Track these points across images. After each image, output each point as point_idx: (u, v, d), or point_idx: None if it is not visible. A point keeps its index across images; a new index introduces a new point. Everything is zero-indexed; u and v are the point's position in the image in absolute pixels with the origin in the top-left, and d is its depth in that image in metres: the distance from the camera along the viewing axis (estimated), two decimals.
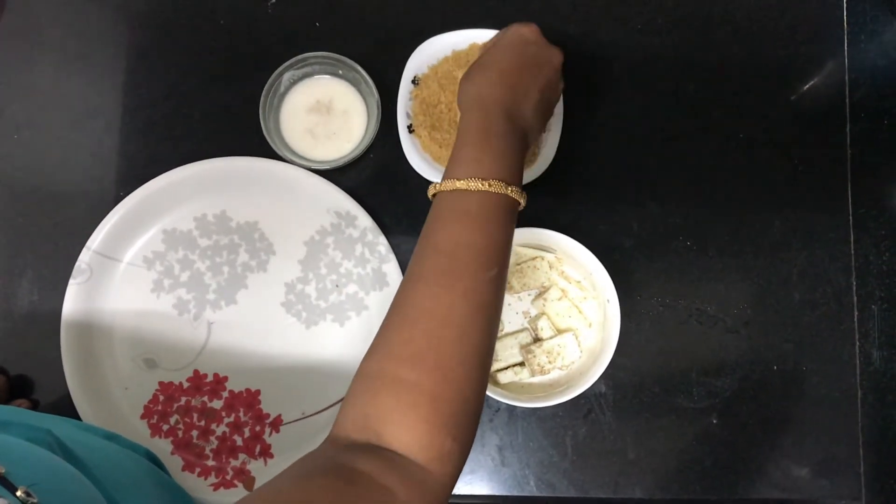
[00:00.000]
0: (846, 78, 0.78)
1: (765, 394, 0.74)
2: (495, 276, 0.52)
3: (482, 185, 0.53)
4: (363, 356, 0.51)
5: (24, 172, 0.74)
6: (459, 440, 0.48)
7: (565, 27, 0.77)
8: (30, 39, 0.76)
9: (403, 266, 0.72)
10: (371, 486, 0.44)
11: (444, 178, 0.55)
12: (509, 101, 0.58)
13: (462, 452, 0.49)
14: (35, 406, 0.71)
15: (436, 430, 0.47)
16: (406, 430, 0.46)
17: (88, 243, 0.70)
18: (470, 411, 0.49)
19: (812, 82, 0.79)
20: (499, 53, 0.61)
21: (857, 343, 0.75)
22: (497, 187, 0.53)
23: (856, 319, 0.75)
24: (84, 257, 0.70)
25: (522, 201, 0.55)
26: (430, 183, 0.71)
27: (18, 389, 0.72)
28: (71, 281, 0.70)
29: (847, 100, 0.78)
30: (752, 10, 0.79)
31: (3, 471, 0.39)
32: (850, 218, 0.76)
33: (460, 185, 0.53)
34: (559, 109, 0.73)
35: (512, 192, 0.54)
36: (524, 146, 0.59)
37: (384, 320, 0.52)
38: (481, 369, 0.51)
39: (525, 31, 0.62)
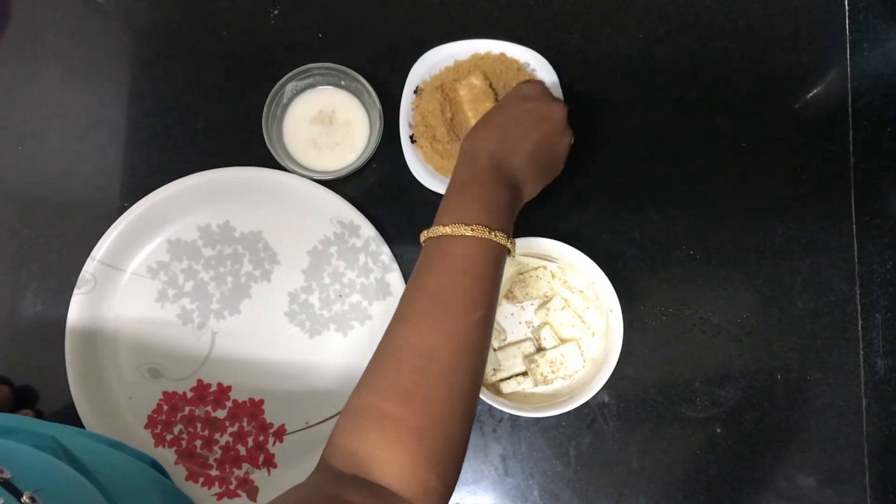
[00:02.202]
0: (849, 86, 0.78)
1: (769, 403, 0.74)
2: (481, 318, 0.54)
3: (466, 230, 0.55)
4: (351, 392, 0.53)
5: (29, 183, 0.75)
6: (444, 477, 0.49)
7: (567, 36, 0.77)
8: (34, 51, 0.76)
9: (406, 276, 0.72)
10: None
11: (432, 226, 0.57)
12: (498, 152, 0.60)
13: (446, 489, 0.50)
14: (39, 416, 0.72)
15: (420, 466, 0.48)
16: (391, 465, 0.48)
17: (93, 253, 0.71)
18: (454, 449, 0.51)
19: (815, 90, 0.79)
20: (496, 110, 0.65)
21: (862, 352, 0.75)
22: (480, 232, 0.55)
23: (860, 328, 0.75)
24: (88, 267, 0.71)
25: (511, 247, 0.57)
26: (432, 192, 0.72)
27: (23, 400, 0.72)
28: (75, 291, 0.70)
29: (850, 108, 0.78)
30: (754, 18, 0.79)
31: (8, 476, 0.40)
32: (854, 226, 0.76)
33: (445, 230, 0.56)
34: None
35: (496, 237, 0.56)
36: (514, 195, 0.60)
37: (372, 359, 0.54)
38: (466, 408, 0.52)
39: (526, 88, 0.66)
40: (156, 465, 0.64)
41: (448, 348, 0.52)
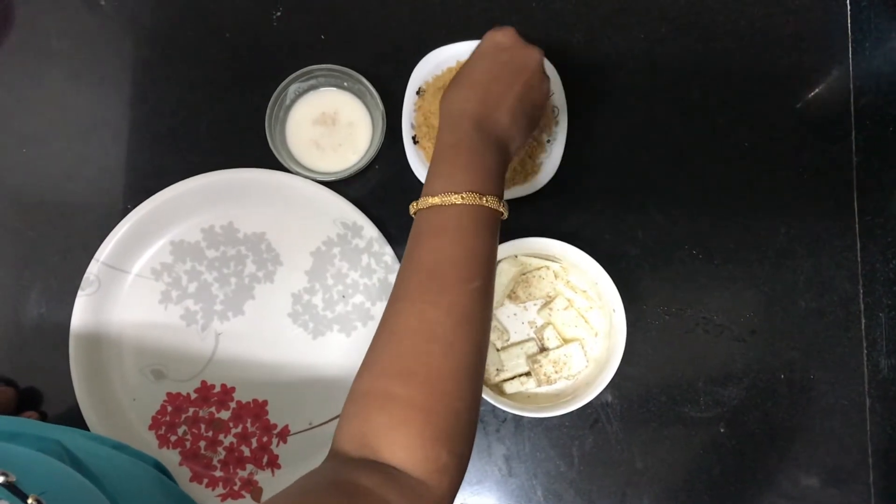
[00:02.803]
0: (851, 85, 0.78)
1: (772, 403, 0.74)
2: (479, 288, 0.52)
3: (455, 198, 0.53)
4: (354, 375, 0.52)
5: (33, 185, 0.75)
6: (456, 452, 0.48)
7: (569, 37, 0.78)
8: (37, 53, 0.77)
9: None
10: (371, 500, 0.44)
11: (420, 197, 0.55)
12: (480, 113, 0.58)
13: (459, 464, 0.49)
14: (43, 418, 0.72)
15: (430, 444, 0.47)
16: (401, 446, 0.47)
17: (97, 255, 0.71)
18: (464, 423, 0.50)
19: (817, 90, 0.79)
20: (471, 65, 0.61)
21: (865, 351, 0.75)
22: (471, 199, 0.53)
23: (863, 327, 0.75)
24: (92, 269, 0.71)
25: (504, 210, 0.56)
26: None
27: (27, 401, 0.72)
28: (79, 293, 0.71)
29: (852, 107, 0.78)
30: (755, 19, 0.79)
31: (13, 479, 0.40)
32: (857, 225, 0.76)
33: (434, 200, 0.54)
34: (563, 119, 0.73)
35: (487, 202, 0.54)
36: (502, 156, 0.58)
37: (372, 340, 0.53)
38: (472, 381, 0.51)
39: (499, 37, 0.61)
40: (160, 467, 0.64)
41: (448, 322, 0.51)
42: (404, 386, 0.49)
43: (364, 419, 0.49)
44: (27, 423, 0.57)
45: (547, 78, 0.63)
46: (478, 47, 0.62)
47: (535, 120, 0.63)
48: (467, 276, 0.52)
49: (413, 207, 0.56)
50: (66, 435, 0.54)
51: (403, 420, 0.48)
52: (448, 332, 0.50)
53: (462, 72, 0.61)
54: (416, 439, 0.47)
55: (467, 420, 0.50)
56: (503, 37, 0.61)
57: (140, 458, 0.62)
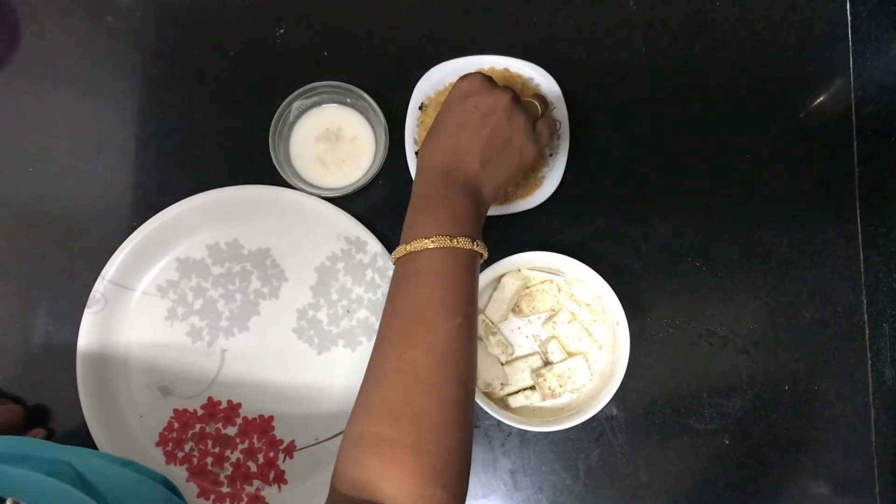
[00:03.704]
0: (853, 95, 0.78)
1: (777, 414, 0.74)
2: (459, 326, 0.54)
3: (427, 242, 0.55)
4: (359, 391, 0.54)
5: (39, 203, 0.76)
6: (450, 489, 0.49)
7: (571, 50, 0.78)
8: (44, 72, 0.77)
9: None
10: None
11: (400, 243, 0.58)
12: (448, 162, 0.60)
13: (456, 499, 0.50)
14: (51, 435, 0.72)
15: (424, 482, 0.48)
16: (396, 486, 0.48)
17: (103, 273, 0.71)
18: (456, 459, 0.51)
19: (818, 100, 0.79)
20: (440, 117, 0.63)
21: (869, 361, 0.75)
22: (441, 241, 0.55)
23: (867, 338, 0.75)
24: (99, 287, 0.71)
25: (481, 250, 0.58)
26: None
27: (35, 419, 0.72)
28: (86, 311, 0.71)
29: (854, 117, 0.78)
30: (757, 30, 0.79)
31: None
32: (860, 235, 0.76)
33: (409, 248, 0.56)
34: (565, 133, 0.74)
35: (459, 243, 0.55)
36: (474, 198, 0.59)
37: (361, 385, 0.54)
38: (461, 417, 0.52)
39: (465, 86, 0.62)
40: (167, 484, 0.64)
41: (429, 361, 0.52)
42: (393, 427, 0.50)
43: (358, 462, 0.50)
44: (36, 445, 0.57)
45: (520, 112, 0.62)
46: (446, 99, 0.64)
47: (515, 160, 0.63)
48: (446, 314, 0.54)
49: (392, 258, 0.58)
50: (74, 455, 0.55)
51: (395, 460, 0.49)
52: (431, 372, 0.52)
53: (433, 125, 0.63)
54: (409, 478, 0.48)
55: (460, 456, 0.51)
56: (468, 85, 0.62)
57: (149, 475, 0.62)
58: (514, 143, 0.62)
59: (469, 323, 0.55)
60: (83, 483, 0.50)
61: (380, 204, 0.75)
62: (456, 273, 0.56)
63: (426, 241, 0.55)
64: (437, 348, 0.53)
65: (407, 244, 0.56)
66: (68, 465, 0.50)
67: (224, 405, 0.73)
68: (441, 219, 0.57)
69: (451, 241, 0.55)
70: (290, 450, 0.72)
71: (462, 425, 0.52)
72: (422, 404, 0.51)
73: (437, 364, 0.52)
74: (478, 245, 0.57)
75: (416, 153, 0.70)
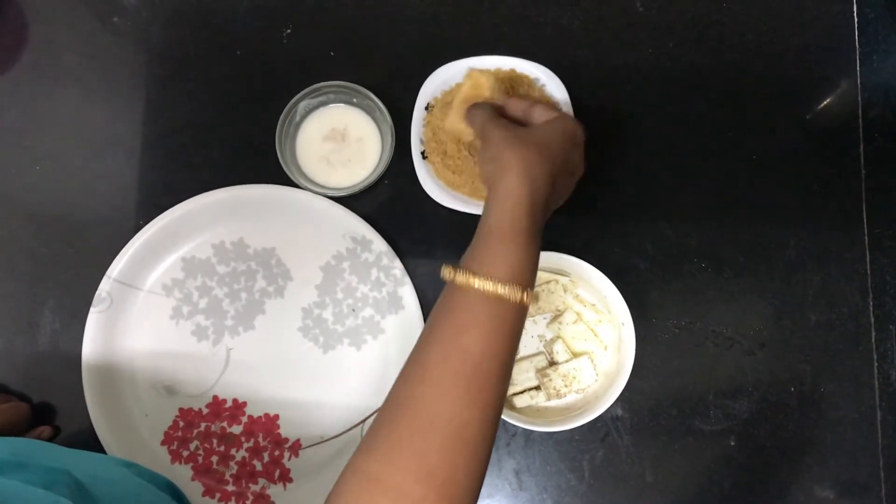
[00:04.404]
0: (859, 97, 0.78)
1: (783, 416, 0.74)
2: (507, 388, 0.52)
3: (522, 295, 0.50)
4: (358, 448, 0.48)
5: (46, 202, 0.76)
6: None
7: (578, 52, 0.78)
8: (51, 71, 0.78)
9: (419, 290, 0.73)
10: None
11: (479, 273, 0.50)
12: (550, 202, 0.57)
13: None
14: (57, 433, 0.72)
15: None
16: None
17: (108, 272, 0.71)
18: None
19: (825, 102, 0.79)
20: (555, 145, 0.58)
21: (876, 364, 0.74)
22: (529, 298, 0.51)
23: (873, 340, 0.75)
24: (104, 286, 0.71)
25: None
26: (443, 208, 0.72)
27: (41, 416, 0.72)
28: (91, 310, 0.71)
29: (860, 119, 0.78)
30: (763, 32, 0.79)
31: None
32: (866, 238, 0.76)
33: (502, 291, 0.50)
34: None
35: (530, 299, 0.52)
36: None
37: (385, 416, 0.49)
38: (482, 477, 0.49)
39: (580, 134, 0.61)
40: (171, 488, 0.64)
41: (480, 423, 0.48)
42: (421, 485, 0.46)
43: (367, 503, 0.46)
44: (38, 450, 0.56)
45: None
46: (560, 127, 0.60)
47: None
48: (507, 376, 0.51)
49: (464, 277, 0.51)
50: (76, 459, 0.54)
51: None
52: (478, 435, 0.48)
53: (544, 143, 0.58)
54: None
55: None
56: (582, 136, 0.61)
57: (152, 478, 0.61)
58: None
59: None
60: (81, 492, 0.49)
61: (385, 203, 0.75)
62: (520, 330, 0.52)
63: (521, 290, 0.50)
64: (490, 411, 0.49)
65: (500, 282, 0.50)
66: (67, 473, 0.49)
67: (229, 404, 0.73)
68: (532, 270, 0.53)
69: (528, 294, 0.51)
70: (295, 448, 0.72)
71: (480, 485, 0.49)
72: (460, 469, 0.47)
73: (486, 427, 0.49)
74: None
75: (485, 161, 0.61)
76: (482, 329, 0.50)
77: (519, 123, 0.63)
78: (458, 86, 0.75)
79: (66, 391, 0.72)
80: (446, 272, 0.52)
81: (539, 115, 0.63)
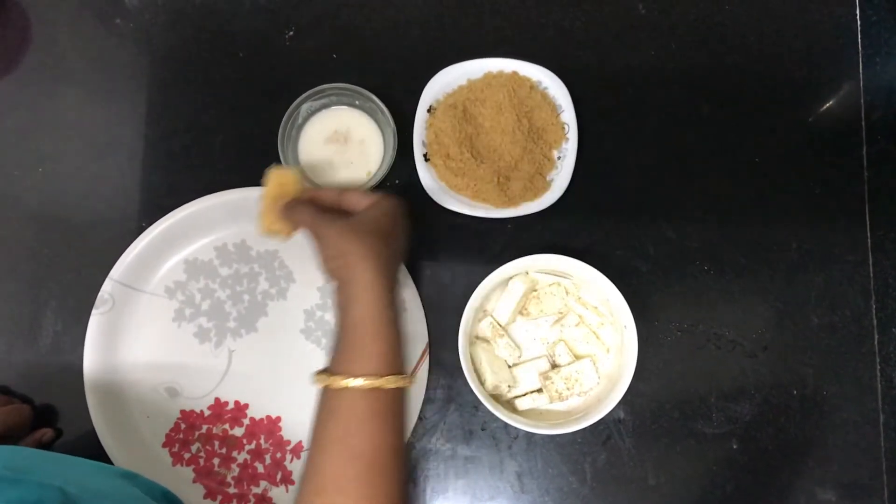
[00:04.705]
0: (862, 100, 0.78)
1: (785, 418, 0.73)
2: (406, 476, 0.54)
3: (401, 381, 0.53)
4: None
5: (48, 204, 0.76)
6: None
7: (580, 53, 0.78)
8: (54, 73, 0.78)
9: (421, 292, 0.73)
10: None
11: (353, 373, 0.53)
12: (392, 285, 0.58)
13: None
14: (59, 435, 0.72)
15: None
16: None
17: (111, 273, 0.71)
18: None
19: (828, 104, 0.79)
20: (389, 229, 0.60)
21: (878, 366, 0.74)
22: (407, 382, 0.54)
23: (876, 342, 0.75)
24: (107, 287, 0.71)
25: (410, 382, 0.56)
26: (446, 210, 0.72)
27: (43, 418, 0.72)
28: (94, 311, 0.71)
29: (863, 122, 0.78)
30: (765, 34, 0.79)
31: None
32: (868, 240, 0.76)
33: (375, 383, 0.52)
34: (573, 136, 0.74)
35: (410, 382, 0.55)
36: None
37: None
38: None
39: (401, 207, 0.63)
40: (167, 497, 0.63)
41: None
42: None
43: None
44: (32, 462, 0.54)
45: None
46: (387, 207, 0.62)
47: None
48: (400, 457, 0.53)
49: (337, 382, 0.53)
50: (71, 471, 0.53)
51: None
52: None
53: (388, 232, 0.60)
54: None
55: None
56: (396, 203, 0.63)
57: (149, 490, 0.61)
58: None
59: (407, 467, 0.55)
60: None
61: None
62: (403, 416, 0.55)
63: (391, 380, 0.52)
64: (392, 495, 0.51)
65: (371, 377, 0.52)
66: (59, 490, 0.49)
67: (231, 406, 0.73)
68: (397, 346, 0.55)
69: (409, 381, 0.54)
70: (297, 450, 0.72)
71: None
72: None
73: None
74: (409, 381, 0.55)
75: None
76: (368, 426, 0.52)
77: (335, 212, 0.64)
78: (462, 88, 0.75)
79: (67, 393, 0.72)
80: (319, 379, 0.54)
81: (357, 201, 0.63)
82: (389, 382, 0.52)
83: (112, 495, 0.55)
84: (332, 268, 0.59)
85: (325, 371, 0.55)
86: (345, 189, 0.65)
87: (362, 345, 0.54)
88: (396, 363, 0.54)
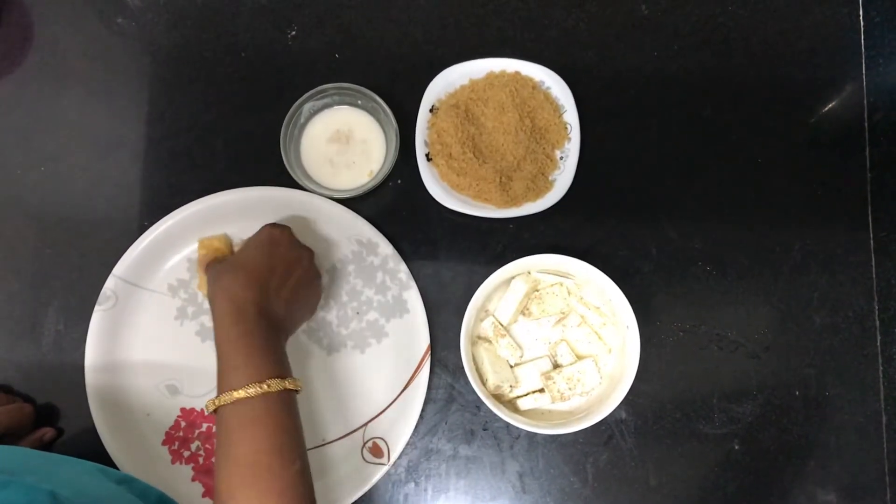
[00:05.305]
0: (865, 101, 0.78)
1: (787, 419, 0.73)
2: (301, 469, 0.56)
3: (262, 387, 0.56)
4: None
5: (51, 203, 0.76)
6: None
7: (582, 54, 0.78)
8: (56, 72, 0.78)
9: (424, 293, 0.73)
10: None
11: (220, 392, 0.57)
12: (261, 299, 0.61)
13: None
14: (60, 434, 0.72)
15: None
16: None
17: (114, 270, 0.71)
18: None
19: (830, 105, 0.79)
20: (248, 254, 0.64)
21: (881, 367, 0.74)
22: (276, 385, 0.57)
23: (878, 343, 0.75)
24: (109, 284, 0.71)
25: (297, 387, 0.59)
26: (448, 210, 0.72)
27: (44, 417, 0.72)
28: (96, 307, 0.71)
29: (866, 123, 0.78)
30: (768, 35, 0.79)
31: None
32: (871, 241, 0.76)
33: (239, 394, 0.56)
34: (576, 136, 0.74)
35: (289, 384, 0.58)
36: (281, 337, 0.63)
37: None
38: None
39: (276, 233, 0.66)
40: (163, 501, 0.63)
41: None
42: None
43: None
44: (26, 464, 0.54)
45: (318, 275, 0.68)
46: (254, 238, 0.67)
47: (309, 309, 0.69)
48: (289, 459, 0.56)
49: (212, 405, 0.58)
50: (66, 473, 0.53)
51: None
52: None
53: (237, 261, 0.64)
54: None
55: None
56: (280, 234, 0.66)
57: (144, 493, 0.61)
58: (313, 295, 0.68)
59: (305, 462, 0.57)
60: None
61: (390, 206, 0.75)
62: (289, 414, 0.58)
63: (260, 385, 0.56)
64: (286, 495, 0.54)
65: (235, 390, 0.56)
66: (49, 494, 0.48)
67: None
68: (268, 359, 0.58)
69: (282, 382, 0.57)
70: None
71: None
72: None
73: None
74: (290, 382, 0.59)
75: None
76: (244, 433, 0.56)
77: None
78: (464, 88, 0.75)
79: (69, 392, 0.72)
80: (209, 405, 0.58)
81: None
82: (248, 391, 0.56)
83: (105, 500, 0.55)
84: (211, 305, 0.63)
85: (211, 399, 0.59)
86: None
87: (225, 365, 0.58)
88: (253, 372, 0.57)
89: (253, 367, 0.57)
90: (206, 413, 0.59)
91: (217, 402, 0.57)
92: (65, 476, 0.53)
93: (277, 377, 0.57)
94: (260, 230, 0.67)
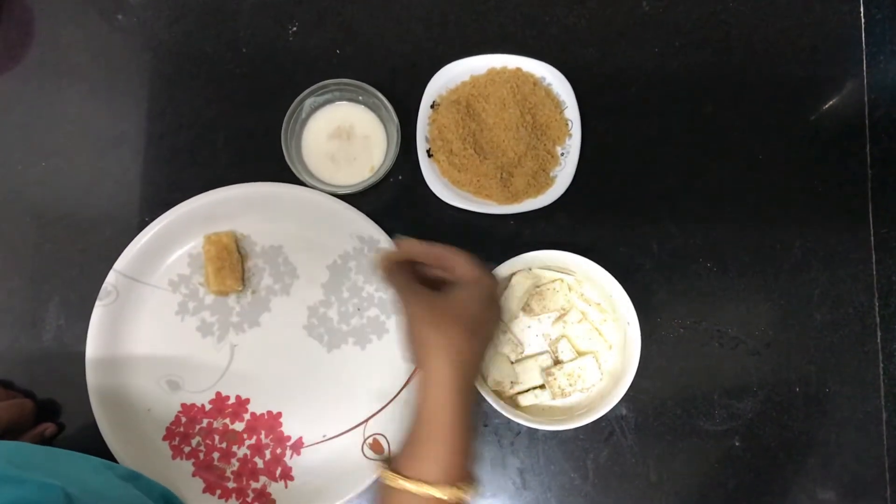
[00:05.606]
0: (866, 98, 0.78)
1: (787, 416, 0.73)
2: None
3: (457, 492, 0.51)
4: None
5: (52, 199, 0.76)
6: None
7: (583, 50, 0.78)
8: (57, 69, 0.78)
9: None
10: None
11: (414, 476, 0.52)
12: (471, 383, 0.56)
13: None
14: (61, 429, 0.72)
15: None
16: None
17: (115, 265, 0.71)
18: None
19: (831, 102, 0.79)
20: (480, 317, 0.57)
21: (881, 364, 0.74)
22: (462, 494, 0.52)
23: (879, 340, 0.75)
24: (111, 279, 0.71)
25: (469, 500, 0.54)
26: (449, 206, 0.72)
27: (45, 413, 0.72)
28: (97, 302, 0.71)
29: (867, 120, 0.78)
30: (769, 32, 0.79)
31: None
32: (872, 238, 0.76)
33: (436, 494, 0.51)
34: (577, 132, 0.74)
35: (472, 492, 0.53)
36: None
37: None
38: None
39: (499, 291, 0.60)
40: (167, 497, 0.63)
41: None
42: None
43: None
44: (35, 460, 0.54)
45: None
46: (484, 290, 0.58)
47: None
48: None
49: (395, 481, 0.52)
50: (73, 469, 0.53)
51: None
52: None
53: (475, 325, 0.56)
54: None
55: None
56: (496, 284, 0.60)
57: (149, 489, 0.60)
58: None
59: None
60: None
61: (391, 202, 0.75)
62: None
63: (447, 487, 0.51)
64: None
65: (443, 486, 0.51)
66: (61, 490, 0.48)
67: (232, 400, 0.73)
68: (460, 455, 0.53)
69: (462, 492, 0.52)
70: (297, 446, 0.72)
71: None
72: None
73: None
74: (470, 490, 0.54)
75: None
76: None
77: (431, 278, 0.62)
78: (465, 84, 0.75)
79: (70, 388, 0.72)
80: (385, 475, 0.53)
81: (457, 267, 0.59)
82: (444, 493, 0.51)
83: (112, 497, 0.55)
84: (412, 351, 0.57)
85: (392, 468, 0.53)
86: (450, 248, 0.60)
87: (427, 449, 0.53)
88: (455, 473, 0.52)
89: (461, 465, 0.52)
90: (380, 478, 0.53)
91: (410, 487, 0.51)
92: (72, 472, 0.53)
93: (474, 485, 0.53)
94: (485, 281, 0.58)
